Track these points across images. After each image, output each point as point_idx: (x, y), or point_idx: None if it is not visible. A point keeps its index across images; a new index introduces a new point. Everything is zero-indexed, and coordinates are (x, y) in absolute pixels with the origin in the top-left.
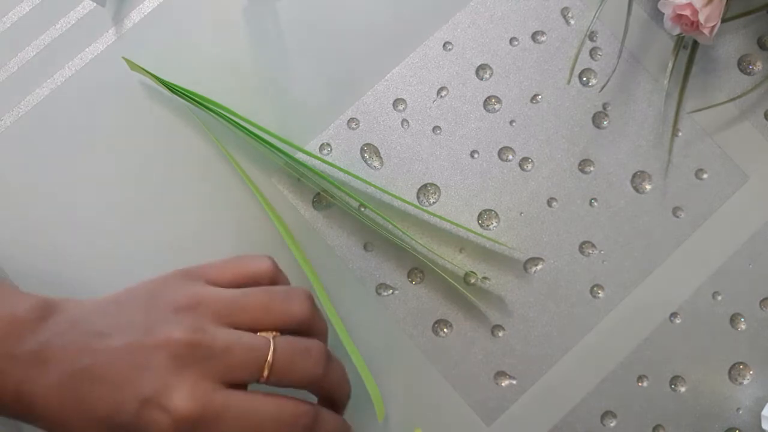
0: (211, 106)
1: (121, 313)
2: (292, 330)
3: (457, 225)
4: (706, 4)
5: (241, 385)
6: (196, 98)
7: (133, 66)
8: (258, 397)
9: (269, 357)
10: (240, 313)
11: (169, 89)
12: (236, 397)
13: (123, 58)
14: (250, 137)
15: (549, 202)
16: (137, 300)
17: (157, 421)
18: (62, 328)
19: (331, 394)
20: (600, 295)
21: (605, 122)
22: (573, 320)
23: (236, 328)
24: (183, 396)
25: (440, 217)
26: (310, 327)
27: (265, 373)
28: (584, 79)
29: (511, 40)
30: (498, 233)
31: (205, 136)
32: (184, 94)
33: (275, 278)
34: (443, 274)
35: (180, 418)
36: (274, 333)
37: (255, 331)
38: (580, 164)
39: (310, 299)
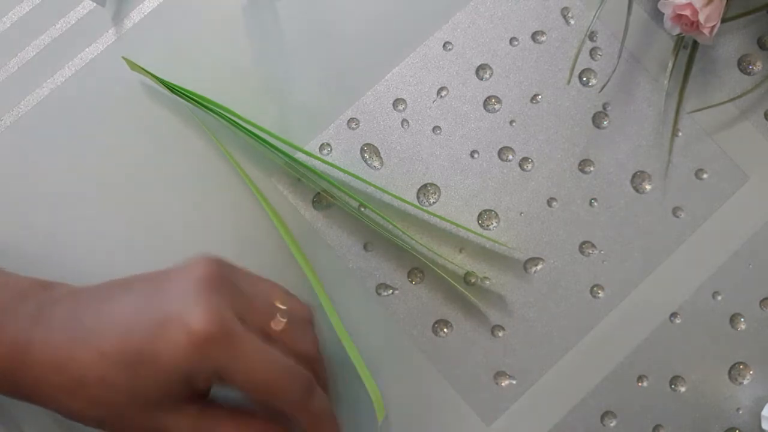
0: (211, 106)
1: (140, 276)
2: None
3: (457, 225)
4: (706, 4)
5: None
6: (195, 98)
7: (133, 66)
8: (269, 346)
9: (284, 318)
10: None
11: (169, 89)
12: (253, 336)
13: (123, 58)
14: (250, 137)
15: (549, 202)
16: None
17: (174, 340)
18: (68, 292)
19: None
20: (600, 295)
21: (605, 122)
22: (573, 320)
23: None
24: (204, 316)
25: (440, 217)
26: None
27: (278, 328)
28: (584, 79)
29: (511, 40)
30: (498, 233)
31: (205, 136)
32: (184, 94)
33: None
34: (443, 274)
35: (199, 334)
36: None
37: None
38: (580, 164)
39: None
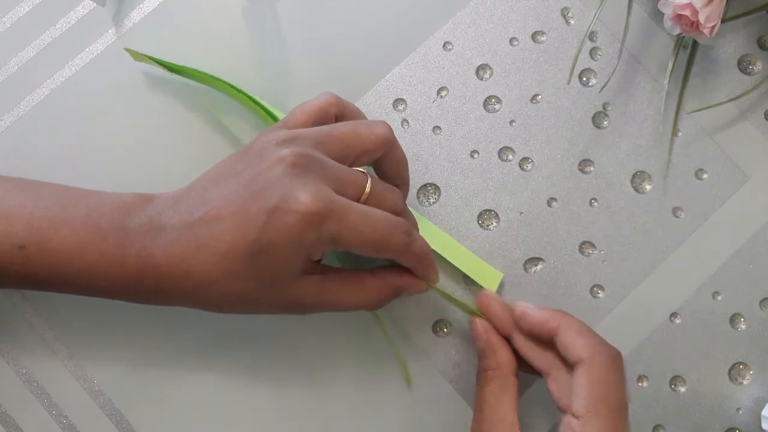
0: (222, 82)
1: (222, 173)
2: (378, 151)
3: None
4: (706, 4)
5: None
6: (200, 75)
7: (136, 55)
8: (365, 205)
9: (368, 182)
10: (333, 140)
11: (175, 71)
12: (351, 202)
13: (125, 48)
14: (257, 116)
15: (549, 202)
16: (232, 159)
17: (286, 222)
18: (168, 202)
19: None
20: (600, 295)
21: (605, 122)
22: None
23: (330, 157)
24: (308, 195)
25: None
26: (393, 147)
27: (366, 194)
28: (584, 79)
29: (511, 40)
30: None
31: (206, 137)
32: (188, 72)
33: (341, 106)
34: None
35: (309, 212)
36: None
37: (347, 158)
38: (580, 164)
39: (388, 125)
